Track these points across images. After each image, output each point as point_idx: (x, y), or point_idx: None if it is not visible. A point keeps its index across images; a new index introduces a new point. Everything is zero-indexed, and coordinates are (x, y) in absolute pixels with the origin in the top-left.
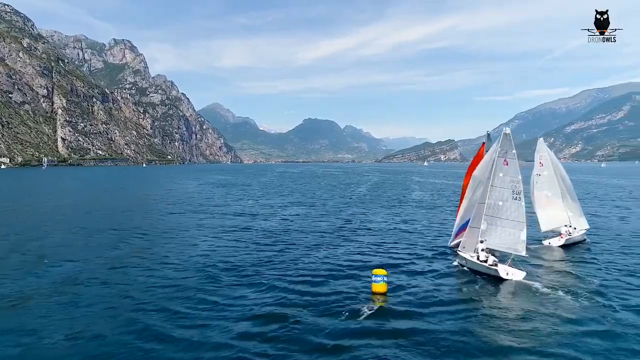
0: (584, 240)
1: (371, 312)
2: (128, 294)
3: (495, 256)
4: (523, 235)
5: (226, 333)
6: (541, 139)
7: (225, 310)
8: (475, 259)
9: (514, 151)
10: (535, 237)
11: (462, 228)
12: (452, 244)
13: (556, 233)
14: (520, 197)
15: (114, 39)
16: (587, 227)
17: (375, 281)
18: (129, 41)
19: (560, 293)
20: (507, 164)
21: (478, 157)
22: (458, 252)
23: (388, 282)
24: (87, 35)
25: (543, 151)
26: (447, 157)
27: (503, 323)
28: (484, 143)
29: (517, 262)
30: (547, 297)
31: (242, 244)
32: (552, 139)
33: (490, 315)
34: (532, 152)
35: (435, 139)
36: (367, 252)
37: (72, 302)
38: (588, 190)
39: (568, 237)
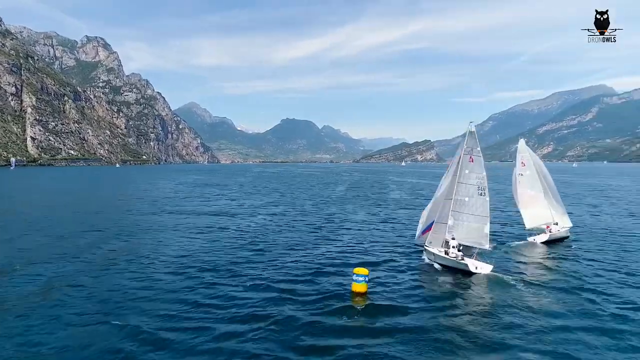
0: (568, 236)
1: (350, 310)
2: (104, 298)
3: (461, 251)
4: (487, 229)
5: (206, 334)
6: (522, 139)
7: (205, 311)
8: (443, 254)
9: (479, 148)
10: (520, 234)
11: (431, 224)
12: (420, 238)
13: (540, 230)
14: (484, 193)
15: (86, 36)
16: (570, 224)
17: (356, 281)
18: (102, 38)
19: (532, 285)
20: (472, 161)
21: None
22: (425, 247)
23: (368, 282)
24: (58, 32)
25: (525, 151)
26: (423, 158)
27: (480, 317)
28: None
29: (483, 256)
30: (519, 289)
31: (220, 244)
32: (525, 139)
33: (467, 310)
34: (505, 153)
35: (412, 140)
36: (346, 251)
37: (49, 309)
38: (564, 189)
39: (551, 234)
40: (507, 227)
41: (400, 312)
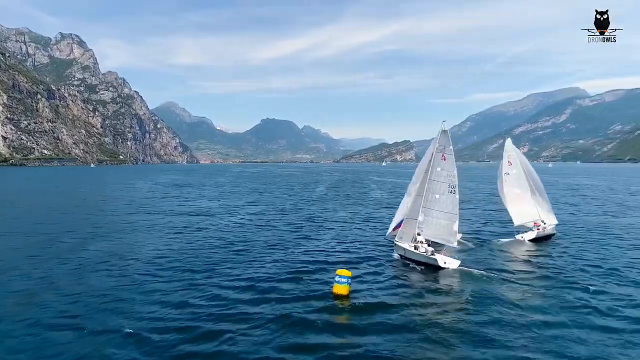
0: (554, 234)
1: (331, 310)
2: (80, 301)
3: (430, 246)
4: (455, 227)
5: (186, 336)
6: (509, 139)
7: (183, 313)
8: (413, 249)
9: (451, 147)
10: (508, 232)
11: (402, 220)
12: (391, 234)
13: (528, 228)
14: (455, 191)
15: (60, 33)
16: (556, 222)
17: (338, 282)
18: (77, 36)
19: (506, 281)
20: (444, 159)
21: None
22: (395, 242)
23: (350, 284)
24: (31, 28)
25: (511, 151)
26: (403, 158)
27: (455, 312)
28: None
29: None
30: (490, 283)
31: (198, 245)
32: (502, 140)
33: (445, 307)
34: (483, 153)
35: (392, 140)
36: (327, 250)
37: (23, 314)
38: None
39: (538, 231)
40: (495, 225)
41: (380, 310)
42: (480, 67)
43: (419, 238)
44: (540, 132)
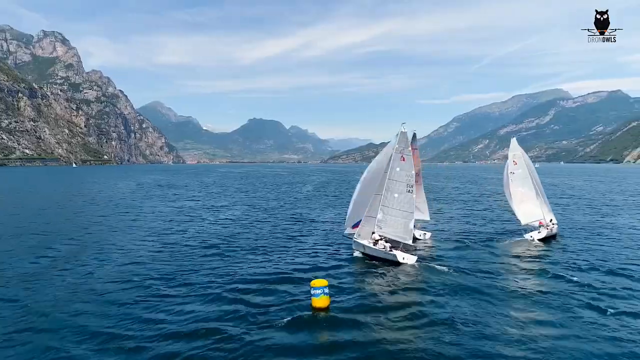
0: (557, 233)
1: (308, 319)
2: (37, 312)
3: (388, 242)
4: (411, 225)
5: (150, 351)
6: (514, 139)
7: (151, 326)
8: (372, 245)
9: (409, 148)
10: (516, 231)
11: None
12: (348, 232)
13: (533, 227)
14: (412, 190)
15: (43, 30)
16: (556, 222)
17: (314, 295)
18: (60, 33)
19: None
20: (404, 160)
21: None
22: (355, 239)
23: (328, 293)
24: (12, 26)
25: (517, 150)
26: None
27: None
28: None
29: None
30: (454, 277)
31: (174, 249)
32: (487, 141)
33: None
34: (469, 154)
35: (379, 140)
36: (313, 254)
37: None
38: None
39: (547, 230)
40: (497, 225)
41: (358, 319)
42: (467, 68)
43: (375, 236)
44: (525, 133)
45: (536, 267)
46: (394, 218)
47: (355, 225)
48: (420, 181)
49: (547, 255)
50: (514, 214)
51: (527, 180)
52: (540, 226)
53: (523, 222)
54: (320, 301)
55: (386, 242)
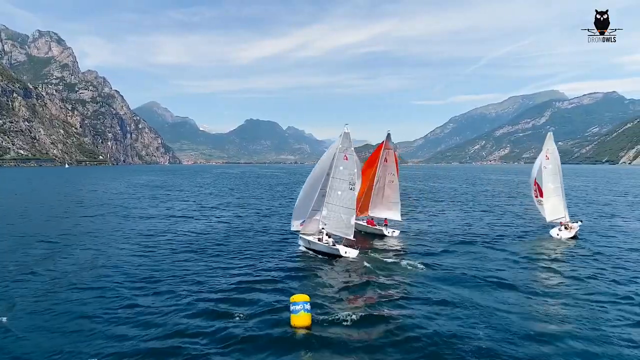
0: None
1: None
2: (19, 318)
3: (331, 237)
4: (352, 221)
5: None
6: (550, 133)
7: (121, 339)
8: (317, 241)
9: (352, 148)
10: (543, 228)
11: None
12: (294, 228)
13: (554, 225)
14: (354, 188)
15: (38, 30)
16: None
17: (293, 311)
18: (55, 33)
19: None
20: (347, 159)
21: (376, 153)
22: (301, 235)
23: (310, 310)
24: (7, 25)
25: (551, 145)
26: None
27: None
28: (383, 142)
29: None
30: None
31: (157, 252)
32: (484, 142)
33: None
34: (465, 155)
35: (375, 141)
36: (300, 259)
37: None
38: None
39: (575, 231)
40: (533, 222)
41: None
42: (463, 69)
43: (324, 230)
44: (521, 134)
45: (552, 266)
46: (337, 214)
47: (303, 221)
48: (396, 181)
49: (568, 252)
50: (538, 210)
51: (556, 177)
52: (560, 225)
53: (548, 218)
54: (301, 319)
55: (329, 237)
